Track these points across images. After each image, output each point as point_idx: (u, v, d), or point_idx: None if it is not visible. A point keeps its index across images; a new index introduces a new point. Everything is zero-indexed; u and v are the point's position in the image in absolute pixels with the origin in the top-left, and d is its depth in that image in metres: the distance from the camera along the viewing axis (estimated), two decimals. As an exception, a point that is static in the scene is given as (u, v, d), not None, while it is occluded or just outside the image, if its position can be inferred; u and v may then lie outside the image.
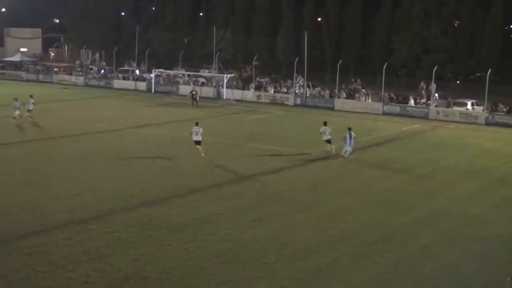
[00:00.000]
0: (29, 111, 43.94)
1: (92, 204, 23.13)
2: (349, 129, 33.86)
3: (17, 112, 42.98)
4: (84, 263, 17.34)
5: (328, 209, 23.78)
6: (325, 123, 35.02)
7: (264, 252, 18.73)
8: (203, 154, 32.87)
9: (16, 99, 43.38)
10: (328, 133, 34.55)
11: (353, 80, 64.93)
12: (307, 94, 60.93)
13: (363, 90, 59.61)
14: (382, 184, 28.35)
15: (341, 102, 57.38)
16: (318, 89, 62.62)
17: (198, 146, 33.14)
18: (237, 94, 62.92)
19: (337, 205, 24.42)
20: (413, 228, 21.85)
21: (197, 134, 33.30)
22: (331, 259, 18.48)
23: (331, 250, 19.18)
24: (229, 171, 29.79)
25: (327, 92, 60.53)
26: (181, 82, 69.80)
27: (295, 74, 62.89)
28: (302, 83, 62.68)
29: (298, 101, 59.85)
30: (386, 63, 57.47)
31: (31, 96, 44.73)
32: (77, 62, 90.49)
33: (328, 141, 34.67)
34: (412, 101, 55.50)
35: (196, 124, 33.80)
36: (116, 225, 20.69)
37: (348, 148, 33.47)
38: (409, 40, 74.35)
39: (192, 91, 59.12)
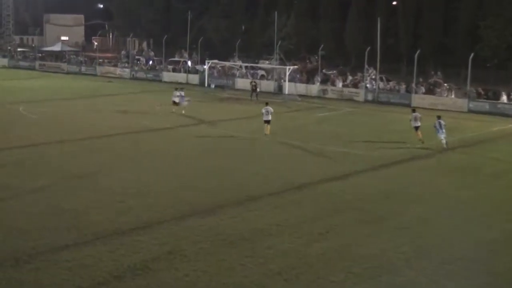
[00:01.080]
0: (175, 103, 47.64)
1: (138, 212, 23.43)
2: (439, 117, 37.32)
3: (185, 103, 47.51)
4: (130, 279, 17.57)
5: (402, 221, 23.55)
6: (413, 110, 39.57)
7: (331, 269, 18.65)
8: (267, 133, 39.17)
9: (181, 89, 48.36)
10: (419, 120, 37.97)
11: (433, 72, 64.19)
12: (380, 88, 60.50)
13: (445, 84, 58.83)
14: (466, 193, 27.88)
15: (419, 98, 56.71)
16: (392, 83, 62.18)
17: (267, 125, 39.55)
18: (301, 88, 62.95)
19: (413, 216, 24.15)
20: (502, 244, 21.43)
21: (267, 114, 39.73)
22: (406, 278, 18.28)
23: (406, 268, 18.97)
24: (290, 176, 29.77)
25: (403, 86, 59.98)
26: (237, 74, 70.26)
27: (366, 66, 62.53)
28: (374, 76, 62.30)
29: (369, 97, 59.51)
30: (473, 53, 56.38)
31: (181, 88, 48.92)
32: (123, 52, 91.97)
33: (417, 128, 37.94)
34: (504, 97, 54.34)
35: (266, 104, 40.78)
36: (165, 236, 20.90)
37: (443, 136, 36.85)
38: (500, 26, 72.81)
39: (251, 82, 60.10)
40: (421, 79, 60.41)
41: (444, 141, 36.81)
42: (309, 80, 65.44)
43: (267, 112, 39.79)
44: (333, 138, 39.99)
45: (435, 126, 36.92)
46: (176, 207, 24.12)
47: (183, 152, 34.59)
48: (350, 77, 64.80)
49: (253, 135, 39.53)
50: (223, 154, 34.35)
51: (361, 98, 59.74)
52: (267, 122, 39.65)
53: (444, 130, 36.74)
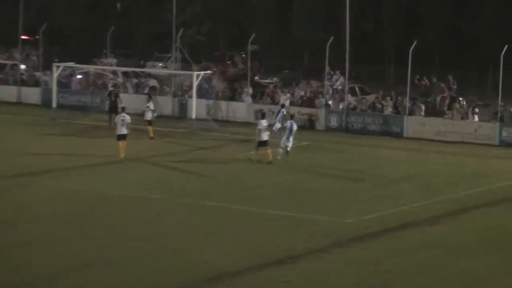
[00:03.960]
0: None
1: None
2: (292, 117, 45.83)
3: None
4: None
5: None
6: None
7: None
8: (122, 155, 45.68)
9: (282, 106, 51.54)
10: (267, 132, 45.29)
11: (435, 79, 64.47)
12: (351, 107, 60.87)
13: (460, 99, 59.46)
14: (499, 280, 28.24)
15: (416, 123, 57.52)
16: (371, 97, 62.61)
17: (122, 142, 46.38)
18: (219, 108, 63.04)
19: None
20: None
21: (122, 125, 46.71)
22: None
23: None
24: (205, 259, 29.68)
25: (390, 102, 60.19)
26: (110, 86, 69.81)
27: (327, 69, 63.00)
28: (340, 86, 62.75)
29: (334, 121, 60.03)
30: (506, 47, 56.87)
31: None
32: None
33: (264, 144, 46.39)
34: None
35: (123, 109, 48.70)
36: None
37: (288, 144, 44.32)
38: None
39: (112, 91, 60.46)
40: (422, 90, 60.68)
41: (288, 149, 44.82)
42: (234, 94, 65.52)
43: (123, 122, 47.00)
44: (273, 193, 40.35)
45: (285, 126, 45.02)
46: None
47: (18, 224, 34.02)
48: (300, 89, 65.10)
49: (134, 192, 39.54)
50: (86, 228, 33.88)
51: (320, 123, 60.06)
52: (122, 137, 46.95)
53: (293, 137, 44.57)
